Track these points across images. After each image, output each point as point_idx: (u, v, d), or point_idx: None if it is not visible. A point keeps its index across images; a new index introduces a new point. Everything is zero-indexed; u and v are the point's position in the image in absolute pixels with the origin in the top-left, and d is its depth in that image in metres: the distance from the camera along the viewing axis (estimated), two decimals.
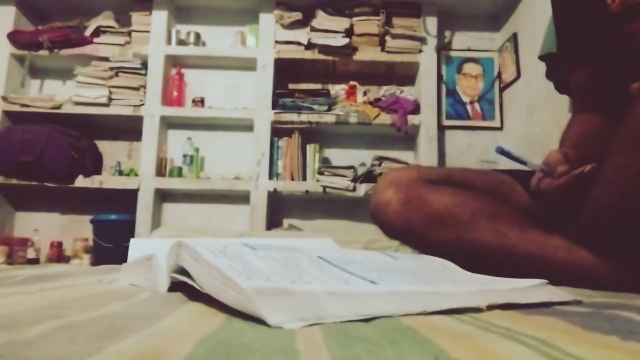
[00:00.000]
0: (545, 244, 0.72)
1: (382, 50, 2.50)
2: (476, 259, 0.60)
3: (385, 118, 2.42)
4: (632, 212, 0.60)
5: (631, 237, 0.62)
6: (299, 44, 2.51)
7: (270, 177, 2.42)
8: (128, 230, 2.32)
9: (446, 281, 0.50)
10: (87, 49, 2.50)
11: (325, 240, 0.94)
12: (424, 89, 2.51)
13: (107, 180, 2.43)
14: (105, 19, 2.54)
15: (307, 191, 2.37)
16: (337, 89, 2.54)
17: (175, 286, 0.46)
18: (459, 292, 0.45)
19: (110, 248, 2.26)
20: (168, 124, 2.60)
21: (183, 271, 0.42)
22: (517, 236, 0.74)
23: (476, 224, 0.76)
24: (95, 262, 2.29)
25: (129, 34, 2.55)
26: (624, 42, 0.81)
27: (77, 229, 2.57)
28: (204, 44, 2.63)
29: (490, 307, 0.41)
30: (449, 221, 0.78)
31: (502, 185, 0.87)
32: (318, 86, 2.66)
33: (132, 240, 0.79)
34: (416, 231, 0.81)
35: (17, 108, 2.44)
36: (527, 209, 0.82)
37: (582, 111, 0.87)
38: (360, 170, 2.43)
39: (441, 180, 0.86)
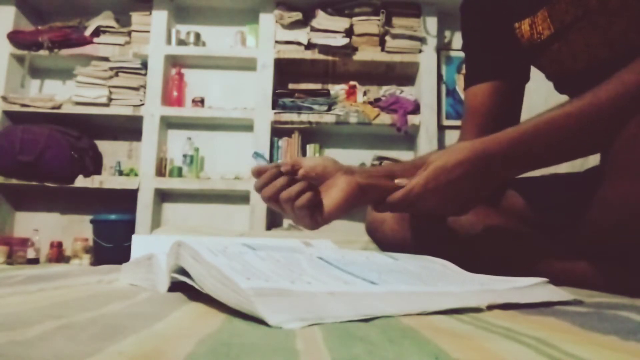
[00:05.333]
0: (544, 254, 0.72)
1: (382, 50, 2.50)
2: (474, 270, 0.60)
3: (385, 118, 2.42)
4: (637, 235, 0.59)
5: (635, 251, 0.62)
6: (299, 44, 2.51)
7: None
8: (128, 230, 2.32)
9: (446, 282, 0.50)
10: (87, 49, 2.50)
11: (325, 243, 0.93)
12: (424, 89, 2.51)
13: (107, 180, 2.43)
14: (105, 19, 2.54)
15: None
16: (337, 89, 2.54)
17: (175, 286, 0.46)
18: (459, 292, 0.45)
19: (110, 248, 2.26)
20: (168, 124, 2.60)
21: (183, 271, 0.42)
22: (515, 248, 0.74)
23: (472, 239, 0.76)
24: (95, 262, 2.29)
25: (129, 34, 2.55)
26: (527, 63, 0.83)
27: (77, 229, 2.57)
28: (204, 44, 2.63)
29: (490, 307, 0.41)
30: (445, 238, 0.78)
31: (495, 192, 0.86)
32: (318, 86, 2.66)
33: (133, 237, 0.78)
34: (413, 248, 0.80)
35: (17, 108, 2.44)
36: (521, 214, 0.81)
37: (470, 133, 0.85)
38: None
39: None
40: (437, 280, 0.50)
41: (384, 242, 0.86)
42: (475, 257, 0.76)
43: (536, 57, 0.79)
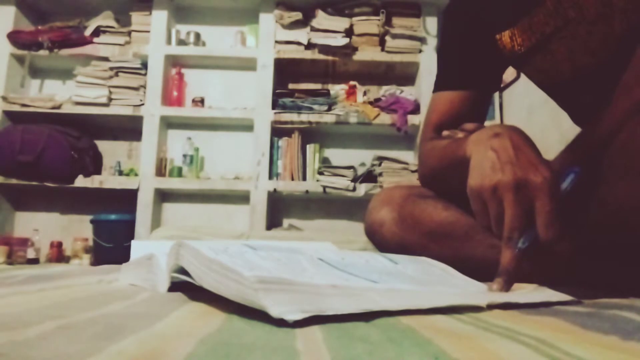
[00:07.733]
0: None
1: (382, 50, 2.50)
2: (475, 272, 0.59)
3: (385, 118, 2.42)
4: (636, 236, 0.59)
5: (634, 251, 0.62)
6: (299, 44, 2.51)
7: (270, 177, 2.42)
8: (128, 230, 2.32)
9: (445, 285, 0.50)
10: (87, 49, 2.50)
11: (325, 245, 0.93)
12: (424, 89, 2.51)
13: (107, 180, 2.43)
14: (105, 19, 2.54)
15: (307, 191, 2.37)
16: (337, 89, 2.54)
17: (175, 286, 0.46)
18: (459, 292, 0.45)
19: (110, 248, 2.26)
20: (168, 124, 2.60)
21: (183, 271, 0.42)
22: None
23: (471, 240, 0.76)
24: (95, 262, 2.29)
25: (129, 34, 2.55)
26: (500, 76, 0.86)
27: (77, 229, 2.57)
28: (204, 44, 2.63)
29: (490, 307, 0.41)
30: (444, 239, 0.78)
31: None
32: (318, 86, 2.66)
33: (133, 243, 0.78)
34: (412, 250, 0.80)
35: (17, 108, 2.44)
36: None
37: (435, 139, 0.84)
38: (360, 170, 2.43)
39: (433, 195, 0.84)
40: (437, 284, 0.50)
41: (383, 245, 0.86)
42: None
43: (521, 68, 0.80)
